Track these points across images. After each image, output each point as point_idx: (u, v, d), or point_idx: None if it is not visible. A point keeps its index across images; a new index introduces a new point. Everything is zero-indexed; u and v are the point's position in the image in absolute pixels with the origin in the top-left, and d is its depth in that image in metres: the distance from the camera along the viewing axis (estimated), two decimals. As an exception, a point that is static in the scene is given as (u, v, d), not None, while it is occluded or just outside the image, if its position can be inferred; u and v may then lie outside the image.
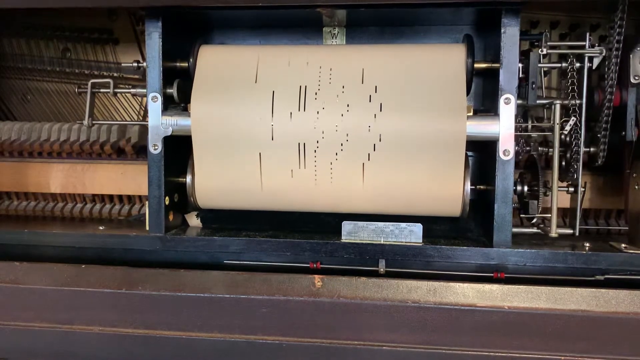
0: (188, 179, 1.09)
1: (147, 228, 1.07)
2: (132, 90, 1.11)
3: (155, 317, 0.99)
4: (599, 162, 1.06)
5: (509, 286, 0.94)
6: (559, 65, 1.03)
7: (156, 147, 1.05)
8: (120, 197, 1.28)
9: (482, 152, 1.14)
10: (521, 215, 1.12)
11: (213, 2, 1.00)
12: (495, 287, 0.94)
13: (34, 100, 1.39)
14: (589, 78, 1.01)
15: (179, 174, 1.10)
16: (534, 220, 1.06)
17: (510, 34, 0.96)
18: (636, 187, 1.03)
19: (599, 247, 1.00)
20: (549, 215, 1.01)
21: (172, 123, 1.04)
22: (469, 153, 1.12)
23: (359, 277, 0.97)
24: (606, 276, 0.97)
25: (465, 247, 0.99)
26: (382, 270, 1.01)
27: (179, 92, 1.07)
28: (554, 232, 1.01)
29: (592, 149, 1.06)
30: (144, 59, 1.05)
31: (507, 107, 0.97)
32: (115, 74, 1.34)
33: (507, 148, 0.97)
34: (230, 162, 1.03)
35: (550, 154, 1.03)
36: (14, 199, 1.30)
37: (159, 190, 1.05)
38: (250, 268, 1.04)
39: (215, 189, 1.06)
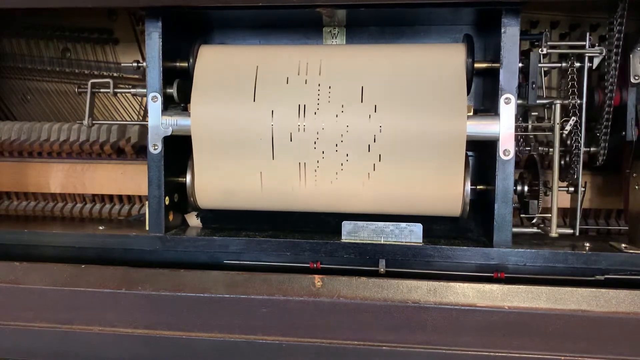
0: (188, 179, 1.09)
1: (147, 228, 1.07)
2: (132, 90, 1.11)
3: (155, 317, 0.99)
4: (599, 162, 1.06)
5: (509, 286, 0.94)
6: (559, 65, 1.03)
7: (156, 147, 1.05)
8: (120, 197, 1.28)
9: (482, 152, 1.14)
10: (521, 215, 1.12)
11: (213, 2, 1.00)
12: (495, 287, 0.94)
13: (34, 100, 1.39)
14: (589, 78, 1.01)
15: (179, 174, 1.10)
16: (534, 220, 1.06)
17: (511, 34, 0.96)
18: (636, 187, 1.03)
19: (599, 247, 1.00)
20: (549, 215, 1.01)
21: (172, 123, 1.04)
22: (469, 153, 1.12)
23: (359, 277, 0.97)
24: (606, 276, 0.97)
25: (465, 247, 0.99)
26: (382, 270, 1.01)
27: (178, 92, 1.07)
28: (554, 232, 1.01)
29: (592, 149, 1.06)
30: (144, 59, 1.05)
31: (507, 107, 0.97)
32: (115, 74, 1.34)
33: (507, 148, 0.97)
34: (230, 162, 1.03)
35: (550, 153, 1.03)
36: (14, 199, 1.30)
37: (159, 190, 1.05)
38: (250, 268, 1.04)
39: (215, 189, 1.06)
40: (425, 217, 1.04)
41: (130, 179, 1.24)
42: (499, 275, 1.00)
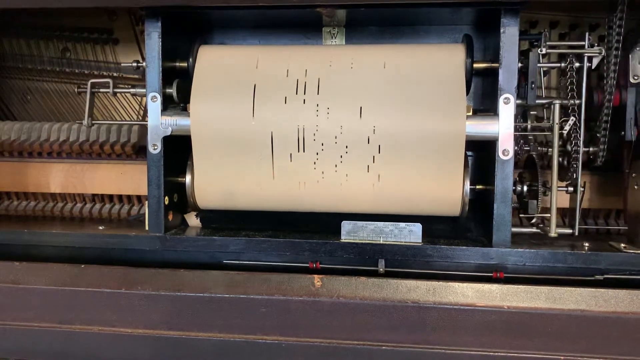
0: (187, 179, 1.09)
1: (147, 228, 1.07)
2: (131, 90, 1.11)
3: (155, 317, 0.99)
4: (599, 162, 1.06)
5: (509, 286, 0.94)
6: (559, 65, 1.03)
7: (155, 147, 1.05)
8: (120, 197, 1.28)
9: (481, 152, 1.14)
10: (520, 215, 1.12)
11: (213, 2, 1.00)
12: (494, 286, 0.94)
13: (34, 100, 1.39)
14: (588, 78, 1.01)
15: (179, 174, 1.10)
16: (534, 220, 1.07)
17: (510, 34, 0.96)
18: (636, 187, 1.03)
19: (598, 247, 1.00)
20: (549, 215, 1.02)
21: (171, 123, 1.04)
22: (469, 153, 1.12)
23: (359, 277, 0.97)
24: (605, 276, 0.98)
25: (464, 247, 0.99)
26: (381, 270, 1.01)
27: (178, 92, 1.07)
28: (554, 232, 1.01)
29: (591, 149, 1.06)
30: (143, 59, 1.05)
31: (507, 107, 0.97)
32: (115, 74, 1.34)
33: (506, 148, 0.97)
34: (229, 163, 1.03)
35: (549, 153, 1.03)
36: (14, 199, 1.30)
37: (159, 190, 1.05)
38: (250, 268, 1.05)
39: (214, 189, 1.06)
40: (424, 217, 1.04)
41: (130, 179, 1.24)
42: (498, 275, 1.00)
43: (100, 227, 1.15)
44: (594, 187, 1.15)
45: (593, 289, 0.92)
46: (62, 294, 1.01)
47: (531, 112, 1.13)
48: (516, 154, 1.02)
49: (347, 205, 1.05)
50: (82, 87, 1.12)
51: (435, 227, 1.09)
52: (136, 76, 1.33)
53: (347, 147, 0.99)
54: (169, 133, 1.04)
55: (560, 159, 1.05)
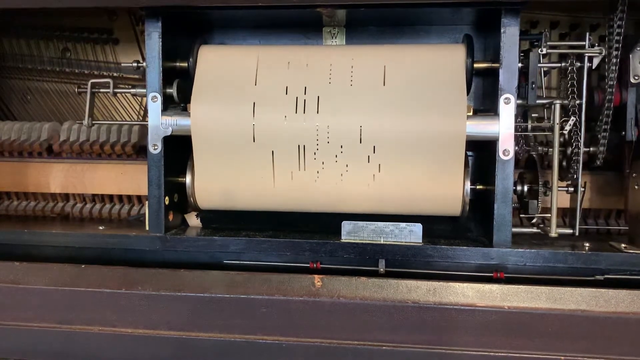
0: (188, 179, 1.09)
1: (147, 228, 1.07)
2: (132, 90, 1.11)
3: (155, 317, 0.99)
4: (599, 162, 1.06)
5: (509, 286, 0.94)
6: (559, 65, 1.03)
7: (156, 147, 1.05)
8: (120, 197, 1.28)
9: (482, 151, 1.14)
10: (521, 215, 1.12)
11: (213, 2, 1.00)
12: (495, 287, 0.94)
13: (34, 100, 1.39)
14: (588, 78, 1.01)
15: (179, 174, 1.10)
16: (534, 220, 1.06)
17: (510, 34, 0.96)
18: (636, 187, 1.03)
19: (598, 247, 1.00)
20: (549, 215, 1.01)
21: (171, 123, 1.04)
22: (469, 153, 1.12)
23: (359, 277, 0.97)
24: (606, 276, 0.97)
25: (465, 247, 0.99)
26: (382, 270, 1.01)
27: (178, 92, 1.07)
28: (554, 232, 1.01)
29: (591, 149, 1.06)
30: (143, 59, 1.05)
31: (507, 107, 0.97)
32: (115, 74, 1.34)
33: (507, 148, 0.97)
34: (229, 163, 1.03)
35: (550, 153, 1.03)
36: (14, 199, 1.30)
37: (159, 190, 1.05)
38: (250, 268, 1.04)
39: (214, 189, 1.06)
40: (425, 217, 1.04)
41: (130, 179, 1.24)
42: (498, 275, 1.00)
43: (100, 227, 1.15)
44: (594, 187, 1.15)
45: (593, 289, 0.92)
46: (62, 294, 1.01)
47: (533, 115, 1.13)
48: (517, 154, 1.02)
49: (348, 206, 1.05)
50: (82, 87, 1.12)
51: (436, 227, 1.09)
52: (136, 76, 1.33)
53: (348, 146, 0.99)
54: (169, 133, 1.04)
55: (561, 159, 1.05)
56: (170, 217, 1.09)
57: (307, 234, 1.07)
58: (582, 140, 1.02)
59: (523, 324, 0.92)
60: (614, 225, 1.16)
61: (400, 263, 1.01)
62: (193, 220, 1.16)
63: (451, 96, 0.98)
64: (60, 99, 1.38)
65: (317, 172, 1.01)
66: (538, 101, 1.02)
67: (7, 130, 1.28)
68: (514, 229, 1.00)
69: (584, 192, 1.05)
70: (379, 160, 0.99)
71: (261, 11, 1.03)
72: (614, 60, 1.00)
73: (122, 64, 1.15)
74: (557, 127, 1.00)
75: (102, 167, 1.25)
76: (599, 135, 1.04)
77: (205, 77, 1.04)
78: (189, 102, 1.03)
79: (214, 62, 1.06)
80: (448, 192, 1.01)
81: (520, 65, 0.98)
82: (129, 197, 1.28)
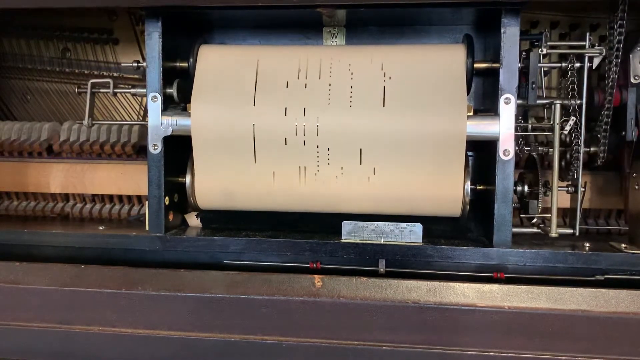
0: (188, 179, 1.09)
1: (147, 228, 1.07)
2: (132, 90, 1.11)
3: (155, 317, 0.99)
4: (599, 162, 1.06)
5: (509, 286, 0.94)
6: (559, 65, 1.03)
7: (156, 147, 1.05)
8: (120, 197, 1.28)
9: (482, 152, 1.14)
10: (521, 215, 1.12)
11: (213, 2, 1.00)
12: (495, 287, 0.94)
13: (34, 100, 1.39)
14: (589, 78, 1.01)
15: (179, 174, 1.10)
16: (534, 220, 1.06)
17: (510, 34, 0.96)
18: (636, 187, 1.03)
19: (599, 247, 1.00)
20: (549, 215, 1.01)
21: (171, 123, 1.04)
22: (469, 153, 1.12)
23: (359, 277, 0.97)
24: (606, 276, 0.98)
25: (465, 247, 0.99)
26: (382, 270, 1.01)
27: (178, 92, 1.07)
28: (554, 232, 1.01)
29: (592, 149, 1.06)
30: (144, 59, 1.05)
31: (507, 107, 0.97)
32: (115, 74, 1.34)
33: (507, 148, 0.97)
34: (229, 163, 1.03)
35: (550, 153, 1.03)
36: (14, 199, 1.30)
37: (159, 190, 1.05)
38: (250, 268, 1.04)
39: (214, 189, 1.06)
40: (425, 217, 1.04)
41: (130, 179, 1.24)
42: (498, 275, 1.00)
43: (100, 227, 1.15)
44: (594, 187, 1.15)
45: (594, 289, 0.92)
46: (62, 294, 1.01)
47: (534, 117, 1.13)
48: (517, 154, 1.02)
49: (348, 206, 1.05)
50: (82, 87, 1.12)
51: (436, 227, 1.09)
52: (136, 76, 1.33)
53: (348, 146, 0.99)
54: (169, 133, 1.04)
55: (561, 159, 1.05)
56: (170, 217, 1.09)
57: (307, 234, 1.07)
58: (582, 140, 1.02)
59: (523, 324, 0.92)
60: (614, 225, 1.16)
61: (401, 263, 1.01)
62: (193, 220, 1.16)
63: (451, 96, 0.98)
64: (60, 99, 1.38)
65: (317, 171, 1.01)
66: (538, 101, 1.02)
67: (7, 130, 1.28)
68: (514, 229, 1.00)
69: (584, 192, 1.05)
70: (379, 160, 0.99)
71: (261, 11, 1.03)
72: (614, 60, 1.00)
73: (122, 64, 1.14)
74: (557, 127, 1.00)
75: (102, 167, 1.25)
76: (599, 135, 1.04)
77: (205, 77, 1.04)
78: (189, 102, 1.03)
79: (214, 62, 1.06)
80: (448, 193, 1.01)
81: (520, 65, 0.98)
82: (129, 197, 1.28)
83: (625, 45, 1.00)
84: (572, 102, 1.02)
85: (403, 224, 1.02)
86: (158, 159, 1.05)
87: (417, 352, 0.94)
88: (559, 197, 1.01)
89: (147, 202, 1.06)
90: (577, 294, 0.92)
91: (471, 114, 0.99)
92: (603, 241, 1.05)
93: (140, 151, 1.23)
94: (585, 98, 1.01)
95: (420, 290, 0.95)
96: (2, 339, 1.03)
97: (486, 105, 1.12)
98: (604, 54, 1.00)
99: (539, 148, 1.08)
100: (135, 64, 1.08)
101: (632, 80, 1.03)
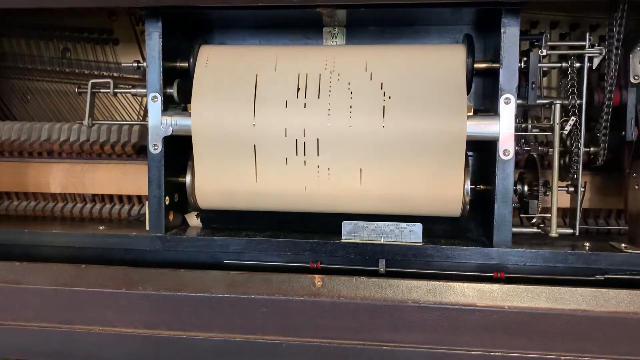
0: (188, 179, 1.09)
1: (147, 228, 1.07)
2: (132, 90, 1.11)
3: (155, 317, 0.99)
4: (599, 162, 1.06)
5: (509, 286, 0.94)
6: (559, 65, 1.03)
7: (156, 147, 1.05)
8: (120, 197, 1.28)
9: (482, 152, 1.14)
10: (521, 215, 1.12)
11: (213, 2, 1.00)
12: (495, 286, 0.94)
13: (34, 100, 1.39)
14: (588, 78, 1.01)
15: (179, 174, 1.10)
16: (534, 220, 1.06)
17: (510, 34, 0.96)
18: (636, 187, 1.03)
19: (599, 247, 1.00)
20: (549, 215, 1.02)
21: (172, 123, 1.04)
22: (469, 153, 1.12)
23: (359, 277, 0.97)
24: (606, 276, 0.98)
25: (465, 247, 0.99)
26: (382, 270, 1.01)
27: (179, 92, 1.07)
28: (554, 232, 1.01)
29: (592, 149, 1.06)
30: (144, 59, 1.05)
31: (507, 107, 0.97)
32: (115, 74, 1.34)
33: (507, 148, 0.97)
34: (230, 163, 1.03)
35: (550, 153, 1.03)
36: (14, 199, 1.30)
37: (159, 190, 1.05)
38: (250, 268, 1.04)
39: (215, 189, 1.06)
40: (425, 217, 1.04)
41: (130, 179, 1.24)
42: (498, 275, 1.00)
43: (101, 227, 1.15)
44: (594, 187, 1.15)
45: (594, 289, 0.92)
46: (62, 294, 1.01)
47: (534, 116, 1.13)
48: (517, 154, 1.02)
49: (348, 205, 1.05)
50: (83, 87, 1.12)
51: (436, 227, 1.09)
52: (136, 76, 1.33)
53: (348, 146, 0.99)
54: (169, 133, 1.04)
55: (561, 159, 1.05)
56: (171, 217, 1.09)
57: (307, 234, 1.07)
58: (582, 140, 1.02)
59: (523, 324, 0.92)
60: (614, 225, 1.16)
61: (401, 263, 1.01)
62: (193, 220, 1.16)
63: (451, 96, 0.98)
64: (60, 99, 1.38)
65: (318, 171, 1.01)
66: (538, 101, 1.02)
67: (7, 130, 1.28)
68: (514, 229, 1.00)
69: (584, 192, 1.05)
70: (380, 160, 0.99)
71: (261, 11, 1.03)
72: (614, 60, 1.00)
73: (122, 64, 1.15)
74: (557, 127, 1.00)
75: (102, 167, 1.25)
76: (599, 135, 1.04)
77: (206, 77, 1.04)
78: (189, 102, 1.03)
79: (214, 62, 1.06)
80: (448, 193, 1.01)
81: (520, 65, 0.98)
82: (129, 197, 1.28)
83: (625, 45, 1.00)
84: (572, 102, 1.02)
85: (403, 224, 1.02)
86: (158, 159, 1.05)
87: (417, 352, 0.94)
88: (559, 197, 1.01)
89: (147, 202, 1.06)
90: (577, 294, 0.92)
91: (471, 114, 0.99)
92: (603, 241, 1.05)
93: (140, 151, 1.23)
94: (585, 98, 1.01)
95: (420, 290, 0.95)
96: (2, 339, 1.03)
97: (486, 105, 1.12)
98: (603, 54, 1.00)
99: (539, 148, 1.08)
100: (135, 64, 1.08)
101: (632, 80, 1.03)
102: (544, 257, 0.98)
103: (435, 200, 1.02)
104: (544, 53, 1.00)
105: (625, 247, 0.99)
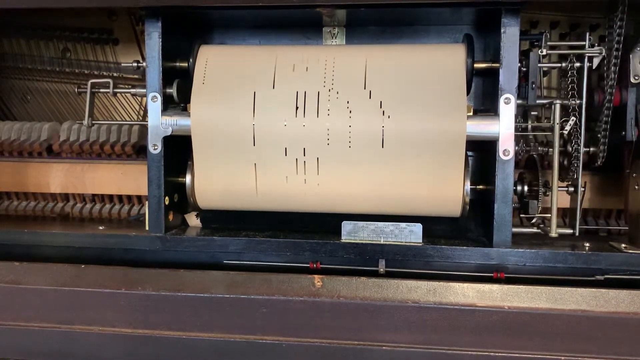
0: (188, 179, 1.09)
1: (147, 228, 1.07)
2: (132, 90, 1.11)
3: (155, 317, 0.99)
4: (599, 162, 1.06)
5: (509, 286, 0.94)
6: (559, 65, 1.03)
7: (156, 147, 1.05)
8: (120, 197, 1.28)
9: (482, 152, 1.14)
10: (521, 215, 1.12)
11: (213, 2, 1.00)
12: (495, 287, 0.94)
13: (34, 100, 1.39)
14: (588, 78, 1.01)
15: (179, 174, 1.10)
16: (534, 220, 1.06)
17: (510, 34, 0.96)
18: (636, 187, 1.03)
19: (599, 247, 1.00)
20: (549, 215, 1.01)
21: (171, 123, 1.04)
22: (469, 153, 1.12)
23: (359, 277, 0.97)
24: (606, 276, 0.97)
25: (465, 247, 0.99)
26: (382, 270, 1.01)
27: (178, 92, 1.07)
28: (554, 232, 1.01)
29: (592, 149, 1.06)
30: (143, 59, 1.05)
31: (507, 107, 0.97)
32: (115, 74, 1.34)
33: (507, 148, 0.97)
34: (230, 163, 1.03)
35: (550, 153, 1.03)
36: (14, 199, 1.30)
37: (159, 190, 1.05)
38: (250, 268, 1.04)
39: (214, 189, 1.06)
40: (425, 217, 1.04)
41: (130, 179, 1.24)
42: (498, 275, 1.00)
43: (100, 227, 1.15)
44: (594, 187, 1.15)
45: (594, 289, 0.92)
46: (62, 294, 1.01)
47: (532, 113, 1.13)
48: (517, 154, 1.02)
49: (348, 206, 1.05)
50: (82, 87, 1.12)
51: (436, 227, 1.09)
52: (136, 76, 1.33)
53: (348, 145, 0.99)
54: (169, 133, 1.04)
55: (561, 159, 1.05)
56: (170, 217, 1.09)
57: (307, 234, 1.07)
58: (582, 140, 1.02)
59: (523, 324, 0.92)
60: (614, 225, 1.16)
61: (401, 263, 1.01)
62: (193, 220, 1.16)
63: (451, 96, 0.98)
64: (60, 99, 1.38)
65: (318, 171, 1.01)
66: (538, 101, 1.02)
67: (7, 130, 1.28)
68: (514, 229, 1.00)
69: (584, 192, 1.05)
70: (380, 160, 0.99)
71: (261, 11, 1.03)
72: (614, 60, 1.00)
73: (122, 64, 1.14)
74: (557, 127, 1.00)
75: (102, 167, 1.25)
76: (599, 135, 1.04)
77: (205, 77, 1.04)
78: (189, 102, 1.03)
79: (214, 62, 1.06)
80: (448, 193, 1.01)
81: (520, 65, 0.98)
82: (129, 197, 1.28)
83: (625, 45, 1.00)
84: (572, 102, 1.02)
85: (403, 224, 1.02)
86: (158, 159, 1.05)
87: (417, 352, 0.94)
88: (559, 197, 1.01)
89: (147, 202, 1.06)
90: (577, 294, 0.92)
91: (471, 114, 0.99)
92: (603, 241, 1.05)
93: (140, 151, 1.23)
94: (585, 98, 1.01)
95: (420, 290, 0.95)
96: (2, 339, 1.03)
97: (486, 105, 1.12)
98: (603, 54, 1.00)
99: (539, 148, 1.08)
100: (135, 64, 1.08)
101: (632, 80, 1.03)
102: (543, 257, 0.98)
103: (435, 200, 1.02)
104: (544, 53, 1.00)
105: (625, 247, 0.99)
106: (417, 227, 1.02)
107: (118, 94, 1.32)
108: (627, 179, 1.06)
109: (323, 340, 0.96)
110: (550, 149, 1.03)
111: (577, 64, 1.02)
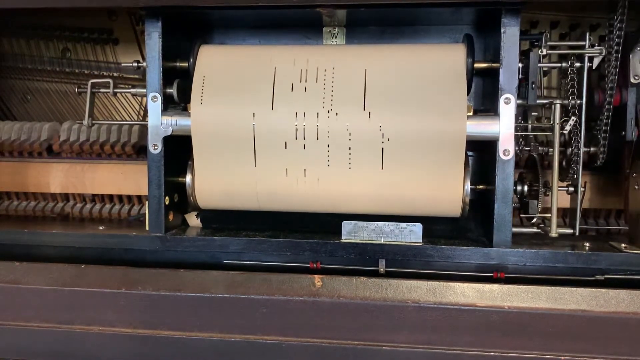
0: (188, 179, 1.09)
1: (147, 228, 1.07)
2: (132, 90, 1.11)
3: (155, 317, 0.99)
4: (599, 162, 1.06)
5: (509, 286, 0.94)
6: (559, 65, 1.03)
7: (156, 147, 1.05)
8: (120, 197, 1.28)
9: (482, 152, 1.14)
10: (521, 215, 1.12)
11: (213, 2, 1.00)
12: (495, 286, 0.94)
13: (34, 100, 1.39)
14: (589, 78, 1.01)
15: (179, 174, 1.10)
16: (534, 220, 1.06)
17: (510, 34, 0.96)
18: (636, 187, 1.03)
19: (599, 247, 1.00)
20: (549, 215, 1.02)
21: (171, 123, 1.04)
22: (469, 153, 1.12)
23: (359, 277, 0.97)
24: (606, 276, 0.97)
25: (465, 247, 0.99)
26: (382, 270, 1.01)
27: (178, 92, 1.07)
28: (554, 232, 1.01)
29: (592, 149, 1.06)
30: (144, 59, 1.05)
31: (507, 107, 0.97)
32: (115, 74, 1.34)
33: (507, 148, 0.97)
34: (230, 163, 1.03)
35: (550, 153, 1.03)
36: (14, 199, 1.30)
37: (159, 190, 1.05)
38: (250, 268, 1.04)
39: (215, 189, 1.06)
40: (425, 217, 1.04)
41: (130, 179, 1.24)
42: (498, 275, 1.00)
43: (100, 227, 1.15)
44: (594, 187, 1.15)
45: (594, 289, 0.92)
46: (62, 294, 1.01)
47: (532, 113, 1.13)
48: (517, 154, 1.02)
49: (348, 206, 1.05)
50: (82, 87, 1.12)
51: (436, 227, 1.09)
52: (136, 76, 1.33)
53: (349, 146, 0.99)
54: (169, 133, 1.04)
55: (561, 159, 1.05)
56: (170, 217, 1.09)
57: (307, 234, 1.07)
58: (582, 140, 1.02)
59: (523, 324, 0.92)
60: (614, 225, 1.16)
61: (401, 263, 1.01)
62: (193, 220, 1.16)
63: (451, 96, 0.98)
64: (60, 99, 1.38)
65: (318, 172, 1.01)
66: (538, 101, 1.02)
67: (7, 130, 1.28)
68: (514, 229, 1.00)
69: (584, 192, 1.05)
70: (380, 160, 0.99)
71: (261, 11, 1.03)
72: (614, 60, 1.00)
73: (122, 64, 1.14)
74: (557, 127, 1.00)
75: (102, 167, 1.25)
76: (599, 135, 1.04)
77: (205, 77, 1.04)
78: (189, 102, 1.03)
79: (214, 62, 1.06)
80: (448, 193, 1.01)
81: (520, 65, 0.98)
82: (129, 197, 1.28)
83: (625, 45, 1.00)
84: (572, 102, 1.02)
85: (403, 224, 1.02)
86: (158, 159, 1.05)
87: (417, 352, 0.94)
88: (559, 197, 1.01)
89: (147, 202, 1.06)
90: (577, 294, 0.92)
91: (471, 114, 0.99)
92: (603, 241, 1.05)
93: (140, 151, 1.23)
94: (585, 98, 1.01)
95: (420, 290, 0.95)
96: (2, 339, 1.03)
97: (486, 105, 1.12)
98: (603, 54, 1.00)
99: (539, 148, 1.08)
100: (135, 64, 1.08)
101: (632, 80, 1.03)
102: (544, 257, 0.98)
103: (435, 200, 1.02)
104: (544, 53, 1.00)
105: (625, 247, 1.00)
106: (417, 227, 1.02)
107: (118, 94, 1.32)
108: (627, 179, 1.06)
109: (323, 340, 0.96)
110: (550, 149, 1.03)
111: (577, 64, 1.02)
